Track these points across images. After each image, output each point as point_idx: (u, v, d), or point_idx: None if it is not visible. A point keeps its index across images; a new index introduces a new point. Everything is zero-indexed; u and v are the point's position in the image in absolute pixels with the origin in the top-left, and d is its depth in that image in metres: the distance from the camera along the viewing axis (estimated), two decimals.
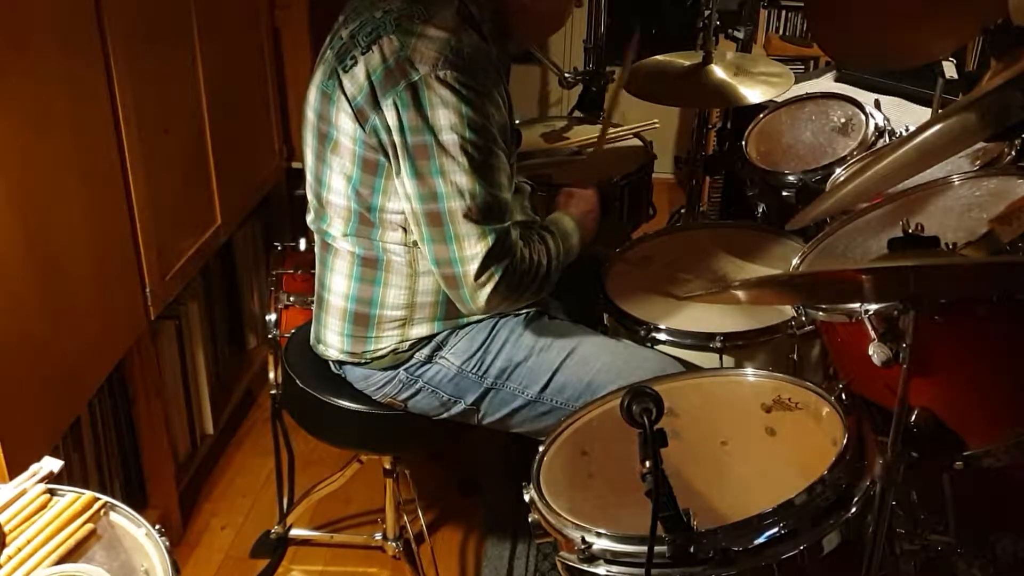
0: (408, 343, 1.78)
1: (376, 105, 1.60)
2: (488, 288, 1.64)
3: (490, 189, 1.61)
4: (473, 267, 1.62)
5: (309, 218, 1.85)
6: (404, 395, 1.82)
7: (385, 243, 1.72)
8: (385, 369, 1.80)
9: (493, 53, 1.66)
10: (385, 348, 1.78)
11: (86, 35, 1.81)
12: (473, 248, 1.61)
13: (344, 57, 1.65)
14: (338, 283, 1.79)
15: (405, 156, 1.60)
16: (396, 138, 1.59)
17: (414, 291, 1.74)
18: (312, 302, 1.92)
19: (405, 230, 1.69)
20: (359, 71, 1.62)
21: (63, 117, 1.75)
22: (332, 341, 1.83)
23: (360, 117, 1.63)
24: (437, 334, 1.78)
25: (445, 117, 1.57)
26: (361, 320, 1.78)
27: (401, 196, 1.64)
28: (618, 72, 2.37)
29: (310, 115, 1.75)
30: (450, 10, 1.63)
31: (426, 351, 1.79)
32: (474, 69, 1.59)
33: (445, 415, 1.83)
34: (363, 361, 1.81)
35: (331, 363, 1.88)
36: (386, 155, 1.63)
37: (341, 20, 1.74)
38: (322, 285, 1.83)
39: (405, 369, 1.80)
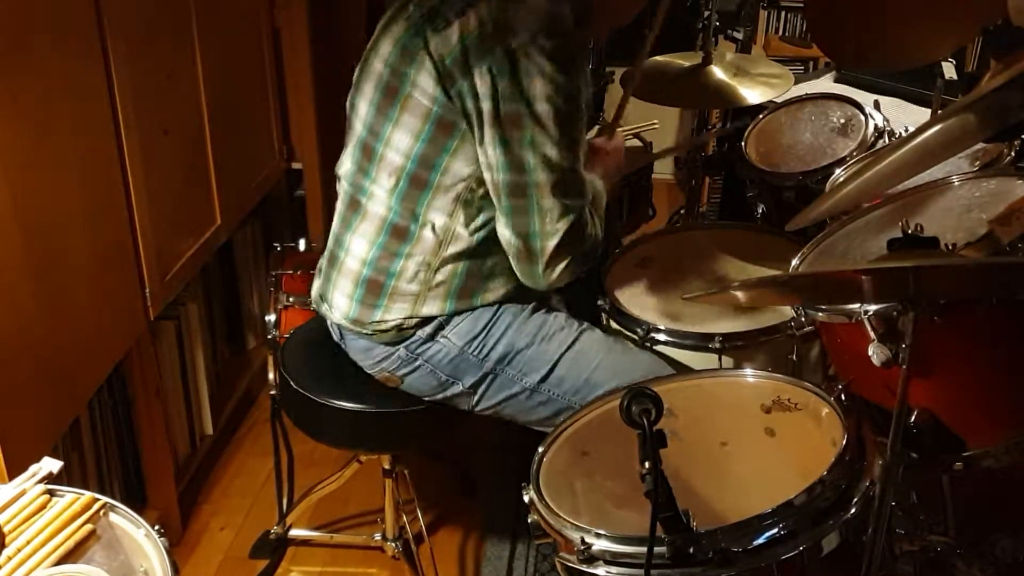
0: (415, 320, 1.75)
1: (468, 70, 1.57)
2: (562, 265, 1.65)
3: (575, 164, 1.61)
4: (552, 242, 1.62)
5: (344, 169, 1.80)
6: (402, 371, 1.81)
7: (428, 211, 1.68)
8: (387, 344, 1.79)
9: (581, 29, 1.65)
10: (392, 321, 1.75)
11: (86, 35, 1.81)
12: (555, 224, 1.61)
13: (434, 17, 1.62)
14: (359, 246, 1.75)
15: (494, 124, 1.57)
16: (485, 105, 1.57)
17: (434, 269, 1.71)
18: (311, 303, 1.91)
19: (457, 197, 1.66)
20: (452, 33, 1.59)
21: (63, 117, 1.75)
22: (339, 303, 1.80)
23: (447, 80, 1.60)
24: (444, 314, 1.77)
25: (541, 87, 1.55)
26: (374, 288, 1.75)
27: (483, 165, 1.62)
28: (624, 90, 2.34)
29: (378, 67, 1.71)
30: None
31: (429, 329, 1.77)
32: (571, 41, 1.57)
33: (440, 396, 1.82)
34: (367, 332, 1.78)
35: (332, 328, 1.85)
36: (468, 121, 1.61)
37: None
38: (339, 244, 1.80)
39: (406, 346, 1.78)
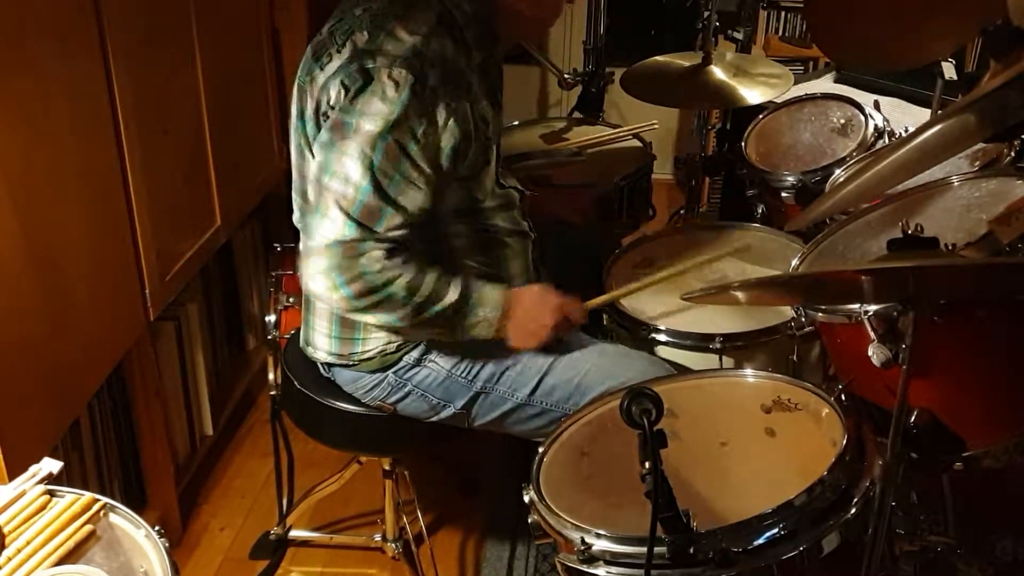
0: (395, 344, 1.77)
1: (325, 85, 1.60)
2: (319, 279, 1.59)
3: (376, 194, 1.57)
4: (314, 243, 1.59)
5: (295, 217, 1.83)
6: (393, 398, 1.82)
7: None
8: (374, 372, 1.80)
9: (470, 65, 1.64)
10: (373, 350, 1.78)
11: (86, 35, 1.81)
12: (328, 231, 1.57)
13: (321, 54, 1.66)
14: None
15: (327, 127, 1.59)
16: (332, 113, 1.59)
17: None
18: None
19: None
20: (332, 66, 1.62)
21: (63, 117, 1.75)
22: (320, 343, 1.83)
23: (321, 105, 1.62)
24: None
25: (377, 108, 1.55)
26: (347, 322, 1.77)
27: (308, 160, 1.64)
28: None
29: (293, 113, 1.75)
30: (429, 14, 1.62)
31: (415, 354, 1.78)
32: (428, 77, 1.57)
33: (435, 419, 1.83)
34: (351, 363, 1.80)
35: (320, 366, 1.87)
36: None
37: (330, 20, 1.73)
38: None
39: (394, 372, 1.79)
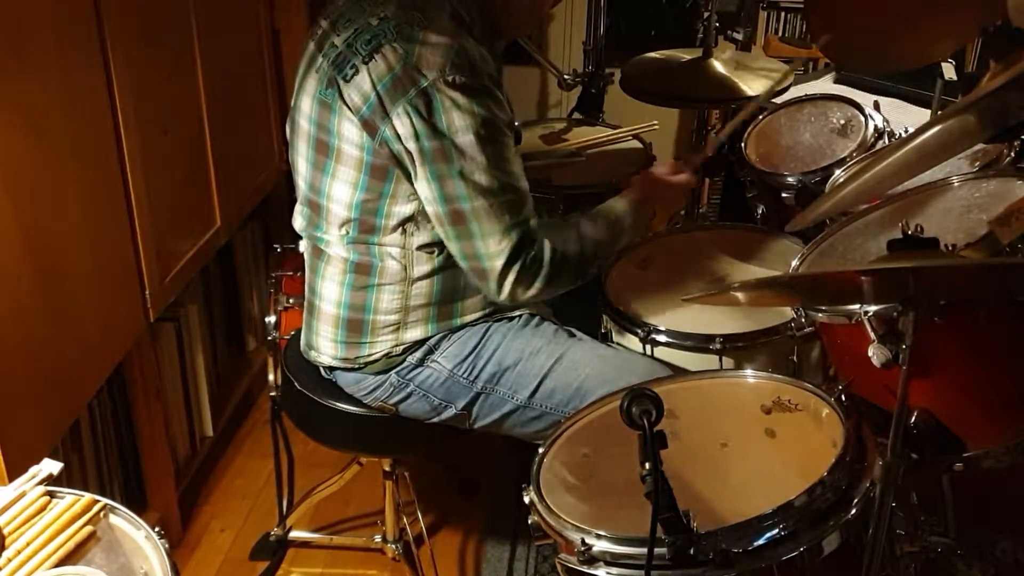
0: (402, 347, 1.78)
1: (385, 115, 1.59)
2: (511, 282, 1.66)
3: (509, 181, 1.63)
4: (499, 262, 1.64)
5: (298, 224, 1.84)
6: (395, 399, 1.82)
7: (383, 247, 1.71)
8: (377, 373, 1.80)
9: (487, 56, 1.66)
10: (379, 352, 1.78)
11: (85, 36, 1.81)
12: (499, 244, 1.64)
13: (343, 66, 1.64)
14: (330, 290, 1.78)
15: (423, 162, 1.60)
16: (411, 145, 1.59)
17: (407, 295, 1.74)
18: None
19: (404, 231, 1.69)
20: (363, 81, 1.61)
21: (63, 118, 1.75)
22: (325, 348, 1.83)
23: (368, 127, 1.62)
24: (430, 337, 1.78)
25: (459, 119, 1.58)
26: (355, 326, 1.77)
27: (423, 199, 1.65)
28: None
29: (304, 125, 1.74)
30: (444, 15, 1.63)
31: (418, 354, 1.79)
32: (478, 71, 1.60)
33: (436, 419, 1.83)
34: (356, 366, 1.81)
35: (322, 368, 1.88)
36: (398, 163, 1.63)
37: (327, 26, 1.72)
38: (313, 292, 1.83)
39: (397, 372, 1.79)
